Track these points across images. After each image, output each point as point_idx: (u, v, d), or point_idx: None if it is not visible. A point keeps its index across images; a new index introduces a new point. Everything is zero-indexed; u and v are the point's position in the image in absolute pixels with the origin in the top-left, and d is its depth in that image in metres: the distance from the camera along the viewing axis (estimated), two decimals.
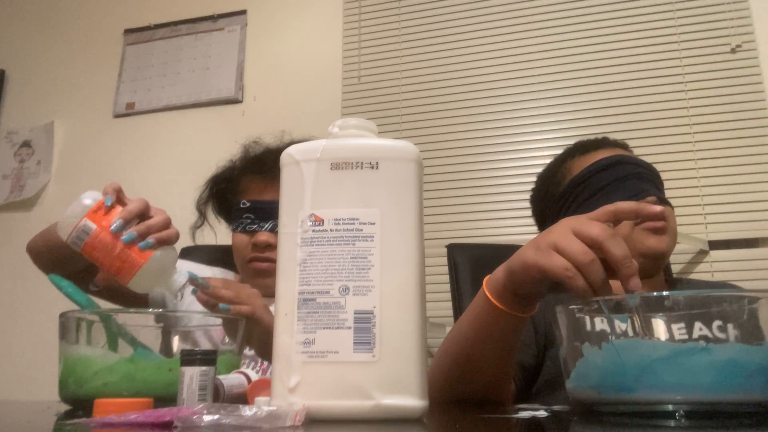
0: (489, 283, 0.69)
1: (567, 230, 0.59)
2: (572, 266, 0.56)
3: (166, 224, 0.79)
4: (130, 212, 0.77)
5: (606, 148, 1.11)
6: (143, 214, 0.78)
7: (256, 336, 0.84)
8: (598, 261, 0.56)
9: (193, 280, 0.79)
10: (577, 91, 1.92)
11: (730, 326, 0.49)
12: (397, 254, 0.51)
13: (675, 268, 1.61)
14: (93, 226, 0.75)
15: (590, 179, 1.04)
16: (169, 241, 0.79)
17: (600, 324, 0.52)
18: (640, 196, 0.99)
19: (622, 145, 1.14)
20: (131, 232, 0.75)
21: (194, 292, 0.79)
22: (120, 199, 0.79)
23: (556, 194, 1.10)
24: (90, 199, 0.77)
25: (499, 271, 0.68)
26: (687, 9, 1.87)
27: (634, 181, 1.01)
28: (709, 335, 0.50)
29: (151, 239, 0.76)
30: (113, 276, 0.77)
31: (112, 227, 0.75)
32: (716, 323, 0.50)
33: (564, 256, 0.57)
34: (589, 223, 0.59)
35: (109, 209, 0.76)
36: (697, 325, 0.50)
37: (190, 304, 1.13)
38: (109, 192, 0.78)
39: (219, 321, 0.77)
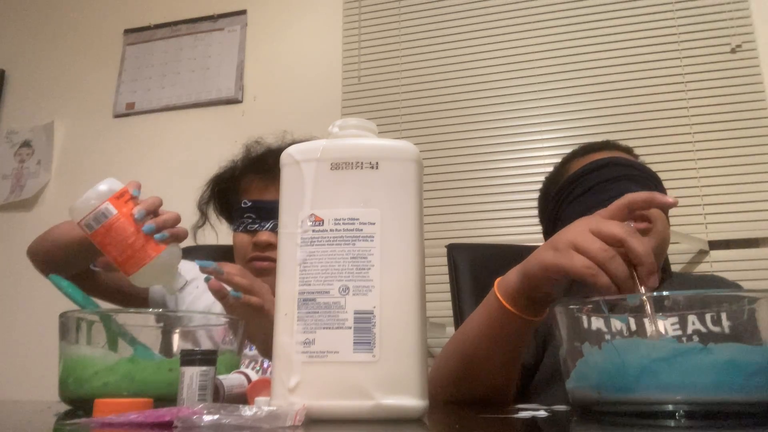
0: (501, 286, 0.68)
1: (584, 229, 0.59)
2: (594, 264, 0.56)
3: (178, 221, 0.82)
4: (151, 204, 0.80)
5: (607, 150, 1.10)
6: (156, 212, 0.81)
7: (261, 331, 0.83)
8: (619, 257, 0.56)
9: (204, 267, 0.80)
10: (576, 91, 1.92)
11: (723, 316, 0.49)
12: (397, 254, 0.51)
13: (675, 268, 1.61)
14: (114, 211, 0.77)
15: (582, 178, 1.04)
16: (179, 238, 0.81)
17: (596, 322, 0.52)
18: None
19: (625, 148, 1.13)
20: (150, 223, 0.78)
21: (207, 279, 0.80)
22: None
23: (553, 193, 1.11)
24: (106, 186, 0.79)
25: (513, 274, 0.67)
26: (687, 9, 1.87)
27: (624, 182, 1.00)
28: (703, 329, 0.50)
29: (166, 232, 0.78)
30: (118, 265, 0.79)
31: (136, 215, 0.77)
32: (709, 315, 0.50)
33: (584, 255, 0.57)
34: (607, 222, 0.59)
35: (132, 200, 0.80)
36: (691, 318, 0.50)
37: (191, 303, 1.13)
38: (135, 186, 0.81)
39: (220, 321, 0.77)
